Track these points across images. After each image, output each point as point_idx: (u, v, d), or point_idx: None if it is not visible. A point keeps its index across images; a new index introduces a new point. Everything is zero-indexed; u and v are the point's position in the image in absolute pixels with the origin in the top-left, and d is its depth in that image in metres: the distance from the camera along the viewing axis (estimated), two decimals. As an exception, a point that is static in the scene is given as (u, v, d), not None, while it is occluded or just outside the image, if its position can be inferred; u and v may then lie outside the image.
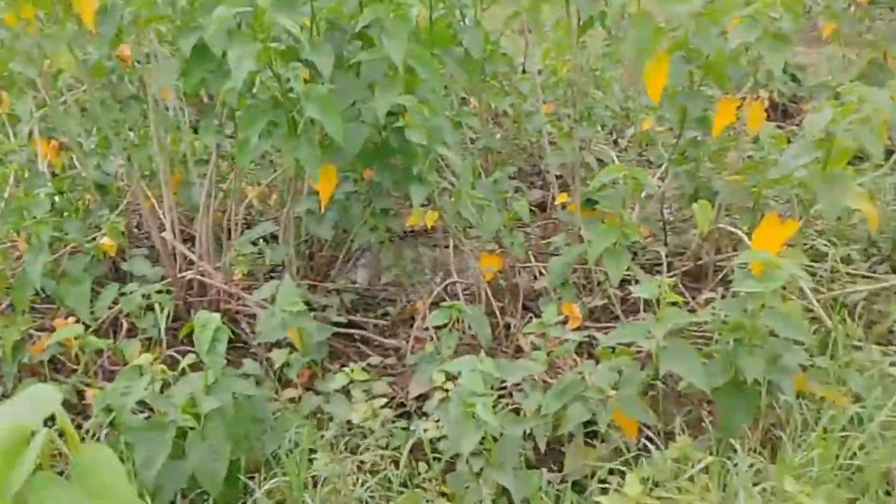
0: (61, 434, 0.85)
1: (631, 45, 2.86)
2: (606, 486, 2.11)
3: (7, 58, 3.22)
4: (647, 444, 2.20)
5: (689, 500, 1.84)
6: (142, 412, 2.32)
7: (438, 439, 2.28)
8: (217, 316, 2.13)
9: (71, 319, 2.68)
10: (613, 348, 2.39)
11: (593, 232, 2.59)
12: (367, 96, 2.49)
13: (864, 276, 3.03)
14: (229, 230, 3.28)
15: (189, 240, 3.49)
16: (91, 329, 2.89)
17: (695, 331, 2.66)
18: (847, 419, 2.10)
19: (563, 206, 3.45)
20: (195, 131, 3.25)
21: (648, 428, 2.30)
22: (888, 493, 1.96)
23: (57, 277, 2.67)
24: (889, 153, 3.81)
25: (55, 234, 2.84)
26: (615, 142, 4.67)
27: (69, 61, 2.83)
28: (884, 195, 3.62)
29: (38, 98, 3.52)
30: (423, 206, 2.78)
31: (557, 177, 3.80)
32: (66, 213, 3.25)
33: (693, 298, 3.06)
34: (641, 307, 3.01)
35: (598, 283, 3.16)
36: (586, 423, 2.30)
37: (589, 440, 2.40)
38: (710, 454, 2.07)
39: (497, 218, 3.03)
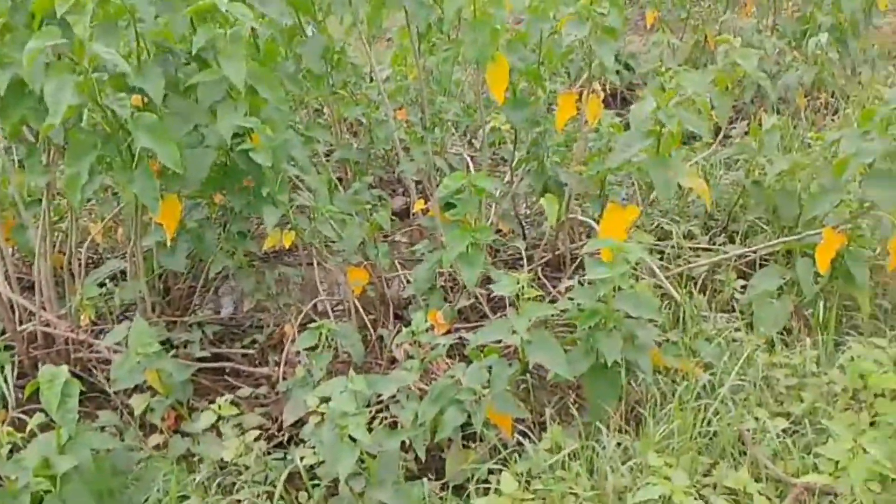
0: None
1: (470, 48, 2.93)
2: (488, 485, 2.14)
3: None
4: (522, 438, 2.25)
5: (562, 489, 1.89)
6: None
7: (317, 465, 2.23)
8: (64, 369, 1.99)
9: None
10: (482, 348, 2.43)
11: (448, 237, 2.62)
12: (209, 120, 2.39)
13: (705, 249, 3.24)
14: (72, 273, 3.06)
15: (30, 288, 3.24)
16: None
17: (558, 320, 2.75)
18: (700, 387, 2.24)
19: (424, 211, 3.48)
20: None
21: (523, 422, 2.36)
22: (743, 454, 2.10)
23: None
24: (717, 130, 4.12)
25: None
26: (469, 143, 4.76)
27: None
28: (716, 170, 3.89)
29: None
30: (281, 225, 2.71)
31: (417, 182, 3.83)
32: None
33: (554, 288, 3.17)
34: (507, 302, 3.08)
35: (464, 286, 3.21)
36: (464, 426, 2.33)
37: (468, 442, 2.43)
38: (581, 439, 2.14)
39: (358, 231, 3.01)
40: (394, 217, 3.92)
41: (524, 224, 3.72)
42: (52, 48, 2.19)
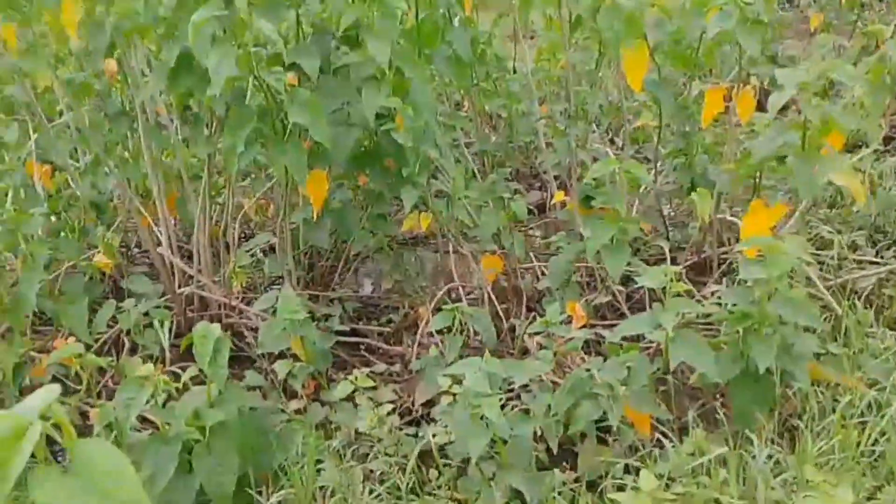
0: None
1: (606, 36, 2.84)
2: (622, 483, 2.06)
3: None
4: (662, 439, 2.16)
5: (707, 495, 1.80)
6: (145, 430, 2.28)
7: (447, 444, 2.24)
8: (217, 327, 2.09)
9: (71, 339, 2.64)
10: (621, 343, 2.35)
11: (591, 228, 2.55)
12: (356, 99, 2.46)
13: (871, 262, 3.00)
14: (227, 244, 3.24)
15: (188, 256, 3.46)
16: (92, 349, 2.86)
17: (701, 324, 2.62)
18: (865, 405, 2.06)
19: (562, 204, 3.43)
20: (189, 146, 3.22)
21: (662, 423, 2.26)
22: (911, 478, 1.92)
23: (54, 298, 2.63)
24: (888, 140, 3.81)
25: (51, 254, 2.81)
26: (611, 140, 4.65)
27: (48, 78, 2.80)
28: (886, 180, 3.59)
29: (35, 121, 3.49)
30: (421, 210, 2.75)
31: (555, 177, 3.78)
32: (62, 234, 3.22)
33: (699, 292, 3.03)
34: (647, 303, 2.97)
35: (602, 281, 3.13)
36: (599, 421, 2.26)
37: (603, 437, 2.36)
38: (728, 447, 2.02)
39: (495, 219, 3.00)
40: (529, 211, 3.90)
41: (668, 224, 3.59)
42: (218, 24, 2.31)
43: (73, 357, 2.41)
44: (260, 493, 2.13)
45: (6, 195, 3.51)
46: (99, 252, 2.82)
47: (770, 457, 1.94)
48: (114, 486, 0.75)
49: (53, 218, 3.32)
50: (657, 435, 2.18)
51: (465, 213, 2.82)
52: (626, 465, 2.12)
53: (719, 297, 2.31)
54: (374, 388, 2.43)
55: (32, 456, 0.80)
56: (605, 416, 2.21)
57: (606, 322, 3.00)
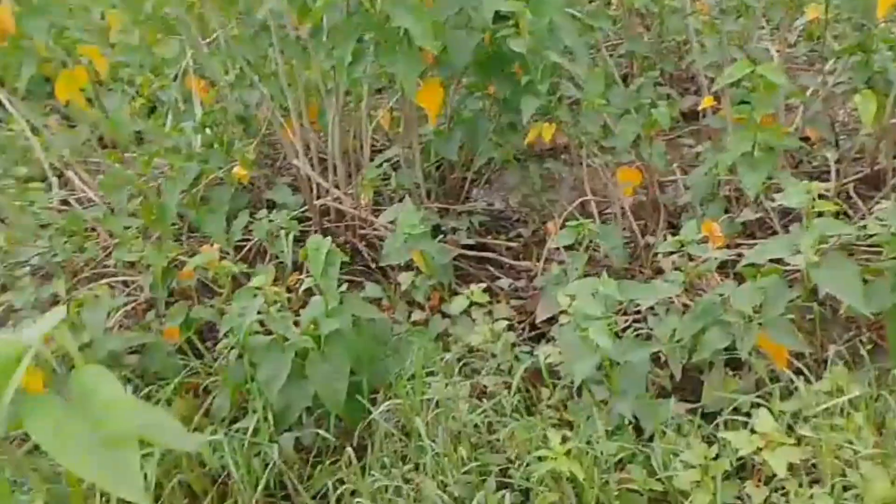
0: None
1: None
2: (747, 419, 1.90)
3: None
4: (796, 377, 1.95)
5: (838, 439, 1.60)
6: (270, 333, 2.40)
7: (560, 364, 2.17)
8: (328, 240, 2.13)
9: (216, 246, 2.82)
10: (759, 266, 2.12)
11: (732, 137, 2.28)
12: (477, 1, 2.32)
13: None
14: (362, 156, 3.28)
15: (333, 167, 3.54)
16: (239, 256, 3.04)
17: (862, 246, 2.30)
18: None
19: (714, 110, 3.11)
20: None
21: (801, 358, 2.05)
22: None
23: (196, 207, 2.80)
24: None
25: (201, 166, 2.98)
26: (784, 39, 4.12)
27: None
28: None
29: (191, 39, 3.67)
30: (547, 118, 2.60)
31: (712, 80, 3.42)
32: (212, 146, 3.40)
33: (868, 209, 2.67)
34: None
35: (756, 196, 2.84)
36: (729, 350, 2.09)
37: (733, 369, 2.18)
38: (871, 387, 1.79)
39: (632, 127, 2.78)
40: (681, 117, 3.59)
41: (838, 132, 3.16)
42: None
43: (211, 263, 2.56)
44: (373, 401, 2.19)
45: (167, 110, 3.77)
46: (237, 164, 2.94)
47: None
48: (107, 416, 0.76)
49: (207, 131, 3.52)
50: (790, 372, 1.97)
51: (595, 122, 2.62)
52: (754, 401, 1.94)
53: (878, 216, 2.00)
54: (489, 303, 2.38)
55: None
56: (735, 346, 2.03)
57: (755, 241, 2.73)
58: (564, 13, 2.58)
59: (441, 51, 2.67)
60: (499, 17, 2.41)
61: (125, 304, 2.69)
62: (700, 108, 3.00)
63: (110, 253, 2.88)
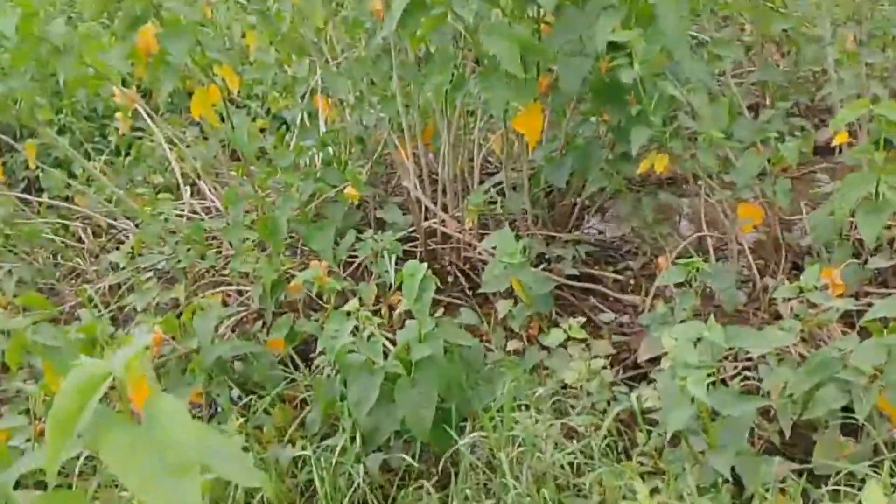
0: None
1: None
2: (859, 486, 1.74)
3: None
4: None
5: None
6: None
7: (657, 409, 2.07)
8: (423, 266, 2.14)
9: (325, 263, 2.91)
10: (886, 322, 1.94)
11: (846, 178, 2.11)
12: (592, 30, 2.27)
13: None
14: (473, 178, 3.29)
15: (442, 189, 3.58)
16: (347, 272, 3.12)
17: None
18: None
19: (850, 145, 2.90)
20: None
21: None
22: None
23: (307, 223, 2.90)
24: None
25: (317, 184, 3.09)
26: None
27: (321, 19, 3.01)
28: None
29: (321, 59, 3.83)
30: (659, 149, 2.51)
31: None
32: (330, 164, 3.52)
33: None
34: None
35: (891, 241, 2.61)
36: (846, 409, 1.92)
37: (852, 428, 2.01)
38: None
39: (755, 162, 2.63)
40: (815, 151, 3.36)
41: None
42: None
43: (318, 279, 2.64)
44: (462, 428, 2.17)
45: (287, 128, 3.95)
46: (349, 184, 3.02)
47: None
48: (174, 444, 0.78)
49: (329, 149, 3.65)
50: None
51: (711, 156, 2.50)
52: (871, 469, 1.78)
53: None
54: (586, 340, 2.31)
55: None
56: (852, 406, 1.86)
57: (886, 291, 2.51)
58: (684, 42, 2.48)
59: (555, 78, 2.65)
60: (614, 45, 2.35)
61: (237, 313, 2.82)
62: (835, 143, 2.81)
63: (228, 263, 3.03)
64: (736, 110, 3.00)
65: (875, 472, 1.75)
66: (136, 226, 3.46)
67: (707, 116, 2.44)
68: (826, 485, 1.82)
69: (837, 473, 1.84)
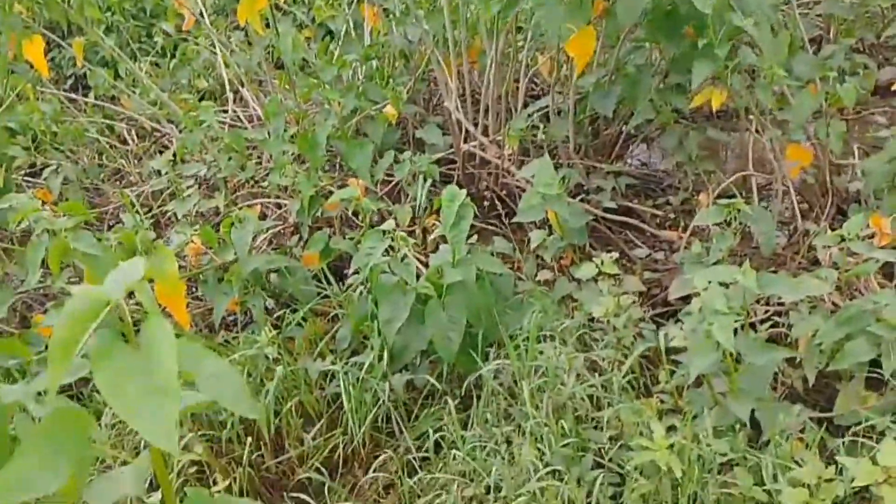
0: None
1: None
2: (878, 439, 1.74)
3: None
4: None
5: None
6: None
7: (683, 350, 2.08)
8: (462, 192, 2.13)
9: (362, 182, 2.91)
10: (927, 278, 1.90)
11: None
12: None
13: None
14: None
15: (485, 110, 3.52)
16: (384, 191, 3.13)
17: None
18: None
19: (913, 89, 2.77)
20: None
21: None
22: None
23: (347, 141, 2.89)
24: None
25: (356, 101, 3.06)
26: None
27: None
28: None
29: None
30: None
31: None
32: (372, 79, 3.47)
33: None
34: None
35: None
36: (873, 363, 1.91)
37: (878, 381, 2.00)
38: None
39: (810, 101, 2.53)
40: (876, 92, 3.21)
41: None
42: None
43: (354, 198, 2.66)
44: (488, 354, 2.21)
45: (332, 37, 3.88)
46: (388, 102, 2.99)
47: None
48: (161, 367, 0.80)
49: (373, 63, 3.59)
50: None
51: (769, 94, 2.40)
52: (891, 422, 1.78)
53: None
54: (617, 275, 2.31)
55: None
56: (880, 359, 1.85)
57: (933, 244, 2.43)
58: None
59: (612, 2, 2.54)
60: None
61: (274, 227, 2.86)
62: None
63: (268, 174, 3.06)
64: (798, 44, 2.86)
65: (896, 426, 1.75)
66: (180, 131, 3.49)
67: (769, 51, 2.32)
68: (845, 435, 1.82)
69: (857, 424, 1.85)
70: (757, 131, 2.75)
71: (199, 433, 1.98)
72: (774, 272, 2.54)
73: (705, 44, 2.31)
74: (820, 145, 2.71)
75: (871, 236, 2.23)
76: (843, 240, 2.15)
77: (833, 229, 2.42)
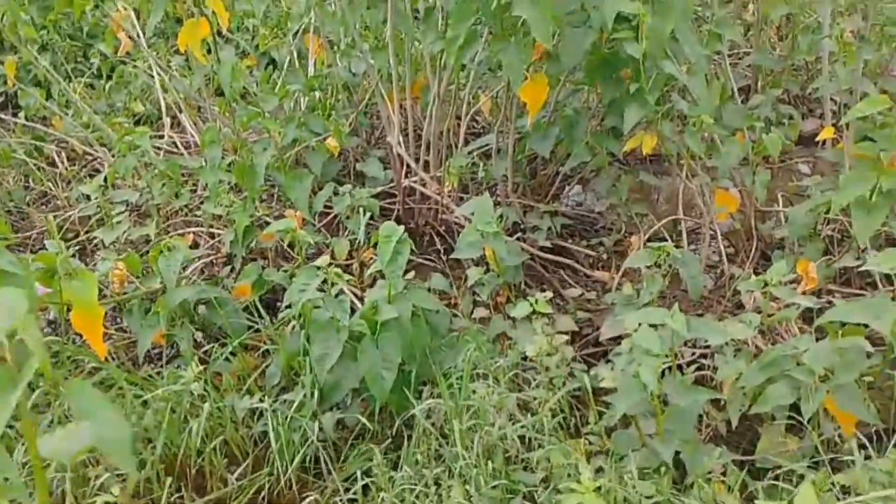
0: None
1: None
2: (796, 481, 1.79)
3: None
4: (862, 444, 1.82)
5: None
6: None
7: (611, 391, 2.10)
8: (401, 229, 2.13)
9: (300, 213, 2.88)
10: (843, 324, 1.98)
11: (847, 175, 2.12)
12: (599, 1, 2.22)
13: None
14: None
15: (426, 146, 3.54)
16: (322, 223, 3.10)
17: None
18: None
19: (834, 142, 2.91)
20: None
21: (868, 426, 1.90)
22: None
23: (285, 171, 2.86)
24: None
25: (297, 132, 3.03)
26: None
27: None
28: None
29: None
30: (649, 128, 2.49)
31: (845, 106, 3.18)
32: (314, 111, 3.45)
33: None
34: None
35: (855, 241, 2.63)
36: (794, 407, 1.97)
37: (797, 425, 2.06)
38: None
39: (737, 150, 2.63)
40: (799, 142, 3.36)
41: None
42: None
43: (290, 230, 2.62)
44: (421, 392, 2.20)
45: (275, 66, 3.86)
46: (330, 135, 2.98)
47: None
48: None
49: (317, 94, 3.58)
50: (856, 439, 1.83)
51: (697, 141, 2.49)
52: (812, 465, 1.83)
53: None
54: (552, 315, 2.33)
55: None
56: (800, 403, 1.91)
57: (849, 291, 2.55)
58: (689, 20, 2.43)
59: (553, 46, 2.60)
60: (619, 18, 2.31)
61: (206, 256, 2.80)
62: (819, 137, 2.81)
63: (202, 203, 3.00)
64: (728, 94, 2.98)
65: (814, 469, 1.80)
66: (113, 155, 3.40)
67: (703, 99, 2.41)
68: (765, 478, 1.87)
69: (778, 468, 1.89)
70: (687, 177, 2.84)
71: (116, 472, 1.89)
72: (701, 315, 2.62)
73: (637, 88, 2.38)
74: (746, 192, 2.82)
75: (794, 281, 2.32)
76: (766, 284, 2.22)
77: (757, 274, 2.52)
